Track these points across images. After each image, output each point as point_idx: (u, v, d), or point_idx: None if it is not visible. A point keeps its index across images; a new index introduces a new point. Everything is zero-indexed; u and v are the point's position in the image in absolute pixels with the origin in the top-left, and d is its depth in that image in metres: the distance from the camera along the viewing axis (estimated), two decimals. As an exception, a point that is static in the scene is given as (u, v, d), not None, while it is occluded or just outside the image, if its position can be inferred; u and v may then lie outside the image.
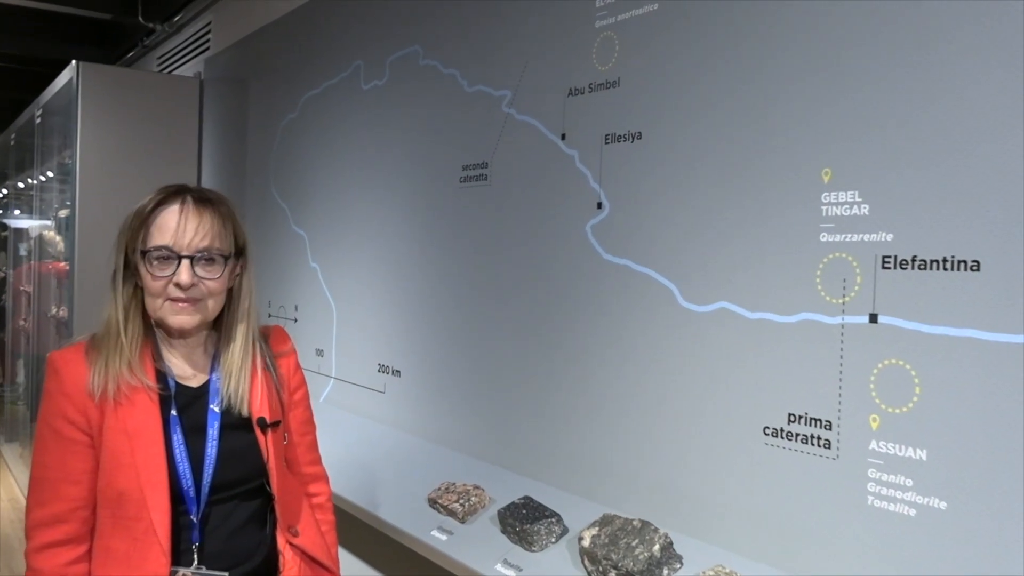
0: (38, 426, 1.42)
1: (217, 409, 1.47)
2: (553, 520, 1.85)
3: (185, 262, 1.39)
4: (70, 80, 4.31)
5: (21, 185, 6.87)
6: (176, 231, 1.39)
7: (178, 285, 1.38)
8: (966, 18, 1.32)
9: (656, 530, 1.67)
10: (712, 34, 1.72)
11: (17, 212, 7.45)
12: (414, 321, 2.67)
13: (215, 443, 1.45)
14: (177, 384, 1.46)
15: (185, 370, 1.49)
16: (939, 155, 1.34)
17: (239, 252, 1.51)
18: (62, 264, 4.82)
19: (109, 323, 1.43)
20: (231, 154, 4.22)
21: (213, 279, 1.43)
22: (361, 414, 2.97)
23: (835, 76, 1.49)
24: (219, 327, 1.54)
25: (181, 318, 1.42)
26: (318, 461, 1.75)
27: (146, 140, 4.41)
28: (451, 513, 2.04)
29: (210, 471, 1.43)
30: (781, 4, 1.58)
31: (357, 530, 2.53)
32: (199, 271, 1.41)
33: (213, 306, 1.47)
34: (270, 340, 1.64)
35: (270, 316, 3.69)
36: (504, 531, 1.91)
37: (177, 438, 1.42)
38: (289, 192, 3.57)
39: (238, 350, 1.51)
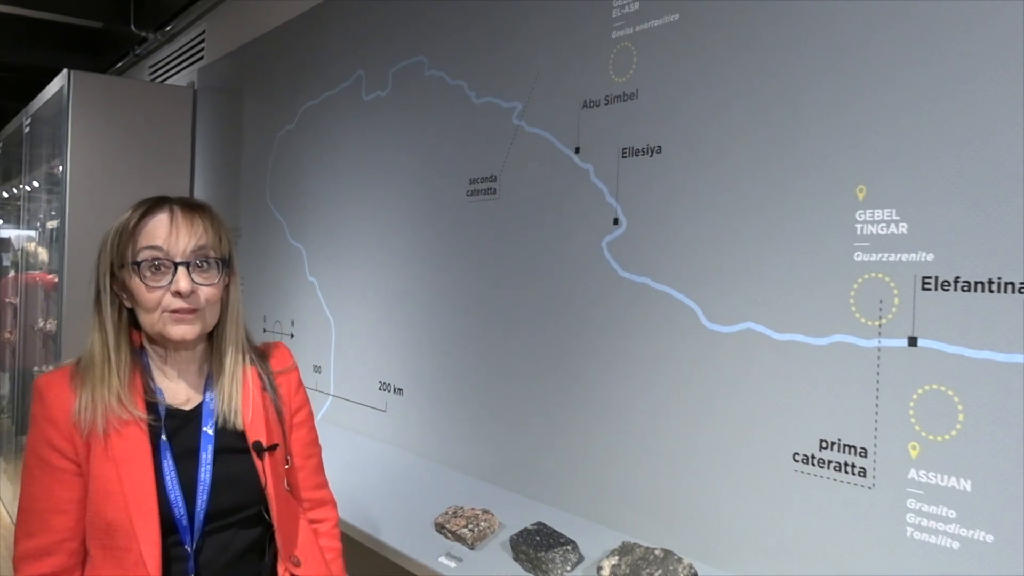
0: (25, 454, 1.34)
1: (210, 431, 1.39)
2: (569, 548, 1.78)
3: (182, 268, 1.32)
4: (61, 88, 4.22)
5: (5, 195, 6.77)
6: (168, 237, 1.32)
7: (178, 293, 1.31)
8: (1007, 30, 1.27)
9: (680, 560, 1.60)
10: (736, 45, 1.66)
11: (1, 222, 7.34)
12: (418, 338, 2.60)
13: (209, 468, 1.37)
14: (168, 408, 1.38)
15: (177, 393, 1.42)
16: (982, 172, 1.29)
17: (227, 261, 1.44)
18: (50, 276, 4.72)
19: (94, 351, 1.35)
20: (225, 165, 4.14)
21: (211, 285, 1.36)
22: (361, 433, 2.89)
23: (869, 87, 1.44)
24: (211, 342, 1.47)
25: (182, 328, 1.34)
26: (324, 485, 1.67)
27: (138, 150, 4.32)
28: (460, 539, 1.96)
29: (204, 498, 1.35)
30: (808, 12, 1.53)
31: (359, 555, 2.44)
32: (196, 277, 1.34)
33: (211, 315, 1.39)
34: (271, 359, 1.57)
35: (264, 331, 3.61)
36: (516, 558, 1.84)
37: (167, 464, 1.33)
38: (286, 204, 3.49)
39: (228, 363, 1.44)
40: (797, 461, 1.53)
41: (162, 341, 1.39)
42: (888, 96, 1.41)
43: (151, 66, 5.39)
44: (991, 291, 1.28)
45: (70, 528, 1.31)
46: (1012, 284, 1.25)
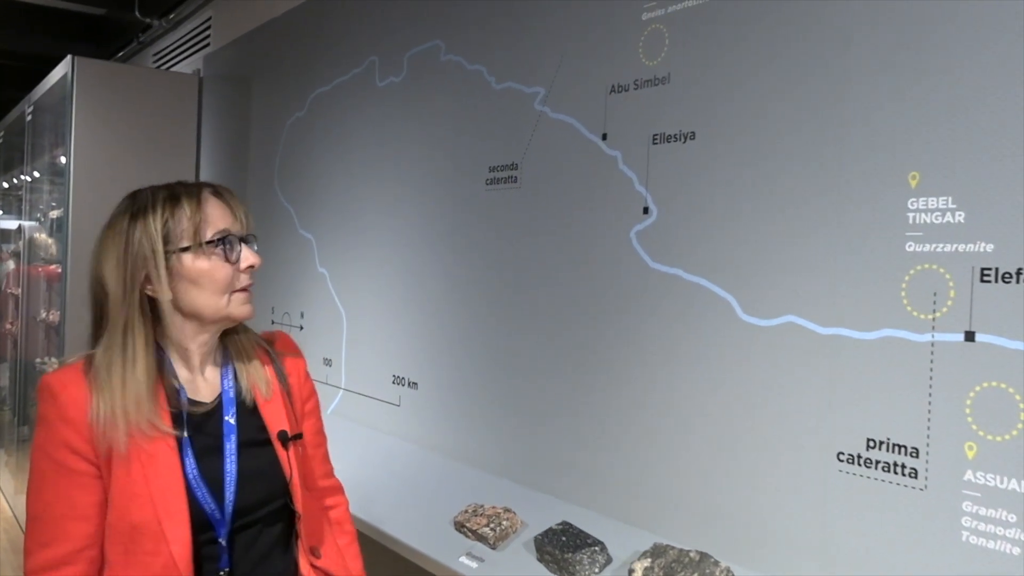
0: (34, 458, 1.26)
1: (232, 420, 1.35)
2: (596, 549, 1.72)
3: (246, 245, 1.34)
4: (64, 76, 4.15)
5: (6, 185, 6.71)
6: (230, 215, 1.33)
7: (251, 268, 1.33)
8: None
9: (717, 563, 1.53)
10: (777, 27, 1.59)
11: (1, 212, 7.28)
12: (433, 330, 2.53)
13: (234, 459, 1.32)
14: (190, 401, 1.32)
15: (197, 385, 1.36)
16: (1048, 158, 1.22)
17: None
18: (52, 267, 4.65)
19: (113, 354, 1.26)
20: (232, 153, 4.07)
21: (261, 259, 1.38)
22: (373, 428, 2.82)
23: (922, 67, 1.37)
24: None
25: (248, 307, 1.36)
26: (332, 473, 1.63)
27: (142, 138, 4.25)
28: (481, 538, 1.90)
29: (232, 490, 1.30)
30: (859, -6, 1.46)
31: (375, 554, 2.38)
32: (254, 252, 1.36)
33: None
34: (276, 346, 1.52)
35: (273, 323, 3.54)
36: (541, 559, 1.78)
37: (189, 461, 1.28)
38: (295, 193, 3.42)
39: (245, 344, 1.43)
40: (842, 461, 1.46)
41: (227, 321, 1.35)
42: (944, 84, 1.34)
43: (155, 54, 5.31)
44: (1057, 283, 1.21)
45: (91, 535, 1.23)
46: (1081, 276, 1.19)
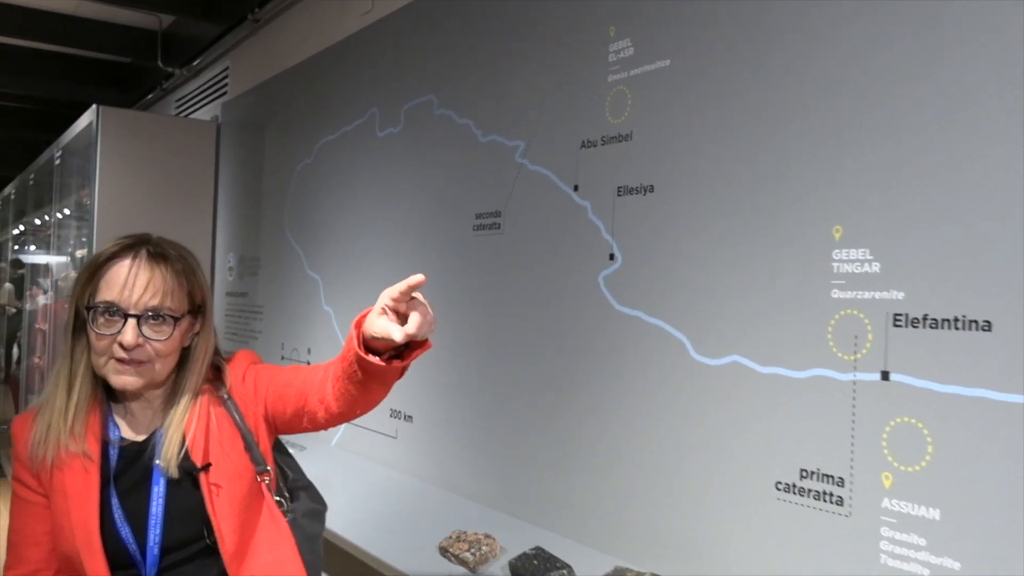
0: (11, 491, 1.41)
1: (163, 464, 1.37)
2: (564, 572, 1.85)
3: (131, 321, 1.31)
4: (90, 123, 4.39)
5: (37, 222, 6.96)
6: (123, 287, 1.31)
7: (122, 345, 1.30)
8: (977, 81, 1.34)
9: (668, 585, 1.66)
10: (721, 89, 1.74)
11: (33, 248, 7.53)
12: (427, 367, 2.68)
13: (161, 500, 1.36)
14: (123, 440, 1.39)
15: (138, 426, 1.42)
16: (950, 214, 1.36)
17: (196, 310, 1.42)
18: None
19: (57, 382, 1.36)
20: (247, 197, 4.28)
21: (161, 340, 1.34)
22: (372, 459, 2.97)
23: (847, 134, 1.51)
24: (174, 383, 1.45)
25: (124, 379, 1.33)
26: (316, 367, 1.48)
27: (163, 182, 4.47)
28: (462, 562, 2.03)
29: (157, 531, 1.34)
30: (792, 63, 1.61)
31: (367, 577, 2.52)
32: (146, 331, 1.32)
33: (160, 368, 1.37)
34: (226, 374, 1.50)
35: (283, 358, 3.71)
36: (515, 582, 1.91)
37: (114, 501, 1.35)
38: (304, 236, 3.61)
39: (180, 409, 1.40)
40: (779, 489, 1.59)
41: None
42: (863, 141, 1.49)
43: (178, 100, 5.57)
44: (957, 328, 1.34)
45: (43, 559, 1.36)
46: (976, 322, 1.32)
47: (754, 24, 1.69)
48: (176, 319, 1.36)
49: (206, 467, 1.38)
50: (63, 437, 1.32)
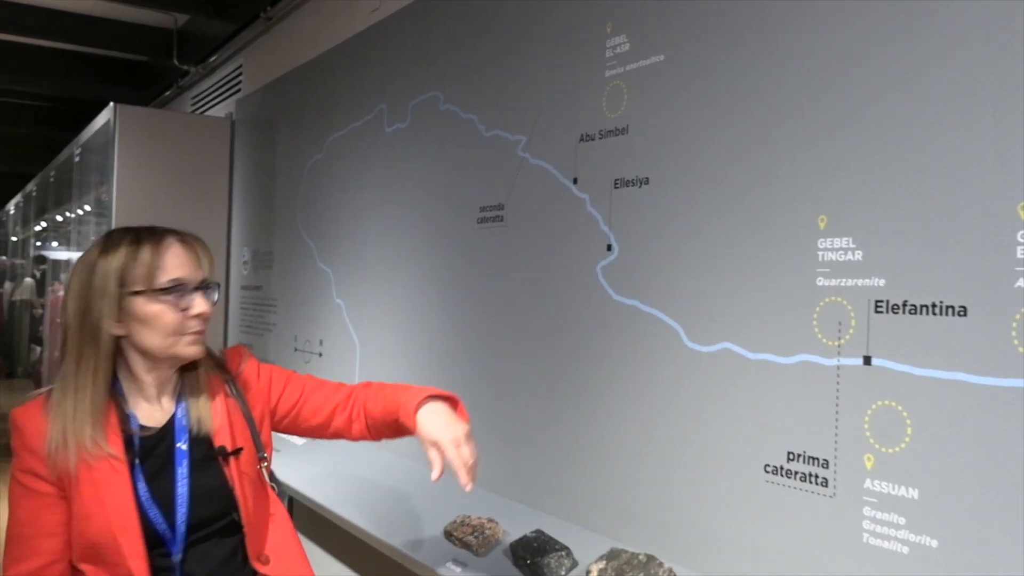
0: (10, 483, 1.42)
1: (184, 447, 1.46)
2: (563, 553, 1.90)
3: (199, 293, 1.44)
4: (108, 121, 4.48)
5: (59, 218, 7.09)
6: (182, 265, 1.42)
7: (199, 316, 1.43)
8: (961, 70, 1.38)
9: (661, 564, 1.71)
10: (714, 84, 1.79)
11: (55, 244, 7.66)
12: (432, 357, 2.75)
13: (186, 481, 1.44)
14: (141, 427, 1.45)
15: (152, 412, 1.48)
16: (929, 204, 1.40)
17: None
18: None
19: (67, 382, 1.39)
20: (260, 192, 4.36)
21: (214, 306, 1.48)
22: (380, 445, 3.04)
23: (834, 126, 1.56)
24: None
25: (197, 348, 1.46)
26: (339, 386, 1.70)
27: (179, 178, 4.56)
28: (466, 546, 2.09)
29: (183, 510, 1.42)
30: (780, 58, 1.66)
31: (371, 560, 2.58)
32: (206, 300, 1.46)
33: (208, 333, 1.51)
34: (229, 364, 1.62)
35: (296, 351, 3.79)
36: (516, 564, 1.97)
37: (141, 485, 1.40)
38: (315, 229, 3.69)
39: (200, 379, 1.52)
40: (768, 472, 1.64)
41: (173, 360, 1.46)
42: (849, 135, 1.53)
43: (194, 97, 5.66)
44: (935, 314, 1.38)
45: (60, 550, 1.38)
46: (952, 307, 1.36)
47: (745, 22, 1.73)
48: (219, 286, 1.51)
49: (237, 451, 1.51)
50: (86, 443, 1.36)
